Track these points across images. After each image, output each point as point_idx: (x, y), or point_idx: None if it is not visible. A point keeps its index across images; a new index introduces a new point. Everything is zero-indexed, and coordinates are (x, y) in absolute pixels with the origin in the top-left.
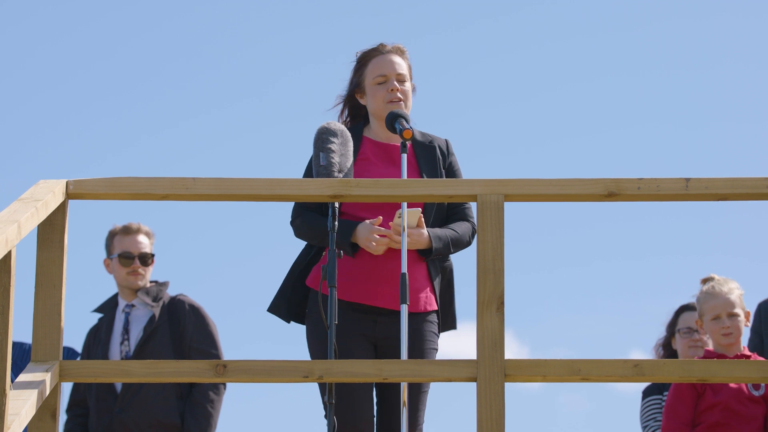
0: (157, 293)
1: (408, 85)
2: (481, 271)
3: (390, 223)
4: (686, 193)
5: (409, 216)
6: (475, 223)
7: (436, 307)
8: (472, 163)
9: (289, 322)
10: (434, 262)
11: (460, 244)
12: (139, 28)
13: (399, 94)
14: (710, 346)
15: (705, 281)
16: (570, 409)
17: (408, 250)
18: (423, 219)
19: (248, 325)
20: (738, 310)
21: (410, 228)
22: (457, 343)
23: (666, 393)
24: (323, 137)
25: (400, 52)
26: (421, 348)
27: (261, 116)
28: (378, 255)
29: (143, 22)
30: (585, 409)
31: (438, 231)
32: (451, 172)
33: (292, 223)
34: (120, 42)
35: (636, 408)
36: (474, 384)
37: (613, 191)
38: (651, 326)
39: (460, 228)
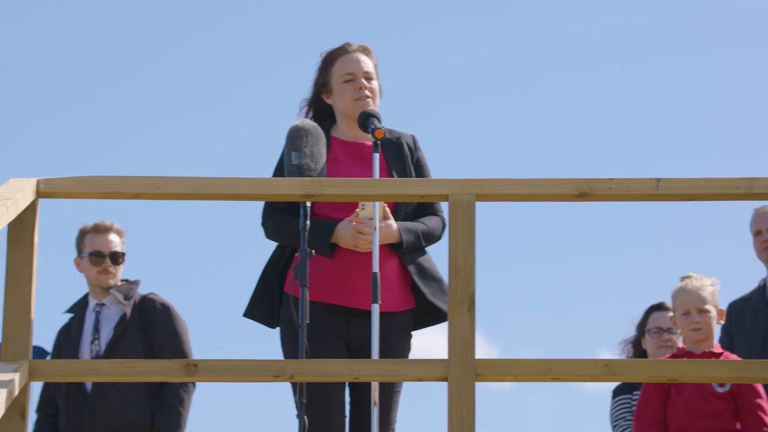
0: (128, 292)
1: (375, 83)
2: (453, 270)
3: (350, 219)
4: (657, 193)
5: (372, 208)
6: (445, 217)
7: (409, 306)
8: (443, 162)
9: (273, 327)
10: (408, 257)
11: (431, 237)
12: (120, 29)
13: (367, 92)
14: (682, 346)
15: (683, 279)
16: (538, 409)
17: (382, 247)
18: (388, 210)
19: (220, 323)
20: (709, 307)
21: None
22: (427, 342)
23: (636, 392)
24: (296, 136)
25: (366, 51)
26: (393, 347)
27: (246, 117)
28: (350, 254)
29: (125, 23)
30: (553, 408)
31: (408, 224)
32: (419, 167)
33: (263, 224)
34: (99, 44)
35: (603, 407)
36: (445, 384)
37: (584, 191)
38: (620, 326)
39: (431, 222)
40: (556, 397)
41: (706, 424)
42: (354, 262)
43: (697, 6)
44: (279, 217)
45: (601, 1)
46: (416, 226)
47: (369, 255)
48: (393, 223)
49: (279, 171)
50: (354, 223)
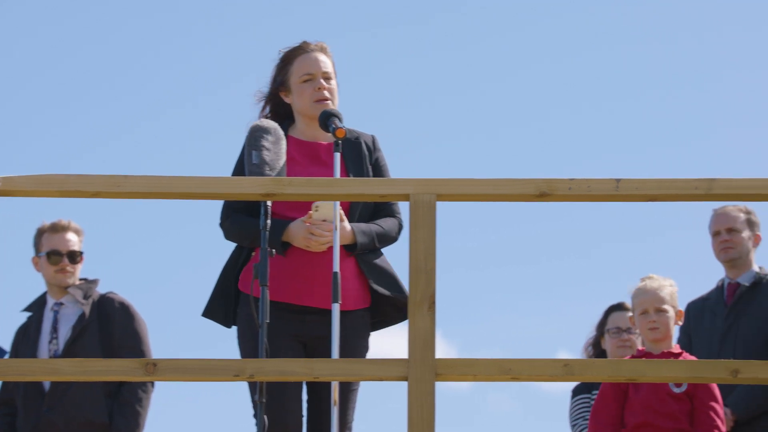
0: (87, 291)
1: (334, 83)
2: (413, 270)
3: (303, 219)
4: (617, 193)
5: (326, 208)
6: (402, 219)
7: (366, 305)
8: (404, 161)
9: (229, 326)
10: (364, 257)
11: (386, 239)
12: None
13: (326, 93)
14: (641, 346)
15: (642, 280)
16: (497, 409)
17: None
18: (342, 212)
19: (179, 323)
20: (667, 306)
21: (330, 221)
22: (385, 342)
23: (595, 392)
24: (256, 135)
25: (324, 50)
26: (351, 346)
27: (229, 116)
28: (305, 253)
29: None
30: (512, 408)
31: (362, 225)
32: (378, 167)
33: (221, 225)
34: (74, 45)
35: (561, 407)
36: (405, 383)
37: (544, 191)
38: (579, 327)
39: (386, 223)
40: (515, 397)
41: (662, 424)
42: (308, 261)
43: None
44: (237, 218)
45: None
46: (371, 227)
47: (323, 254)
48: (347, 225)
49: (239, 170)
50: (307, 224)
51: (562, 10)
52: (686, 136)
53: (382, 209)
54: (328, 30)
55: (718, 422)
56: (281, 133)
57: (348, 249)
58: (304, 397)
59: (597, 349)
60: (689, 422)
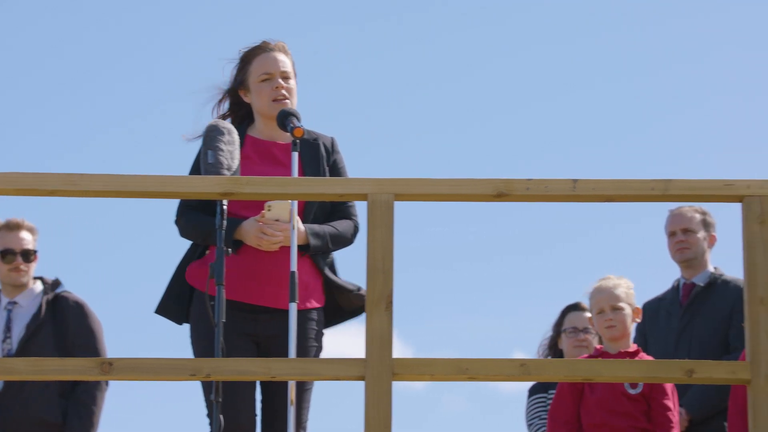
0: (41, 290)
1: (293, 83)
2: (371, 270)
3: (256, 218)
4: (574, 194)
5: (279, 208)
6: (358, 222)
7: (319, 305)
8: (362, 161)
9: (180, 323)
10: (318, 257)
11: (340, 241)
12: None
13: (284, 92)
14: (599, 346)
15: (599, 280)
16: (452, 410)
17: (287, 247)
18: (293, 213)
19: (133, 322)
20: (623, 305)
21: (283, 222)
22: (342, 342)
23: (551, 391)
24: (212, 135)
25: (284, 49)
26: (303, 346)
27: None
28: (258, 252)
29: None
30: (467, 409)
31: (315, 227)
32: (335, 170)
33: (176, 222)
34: (51, 45)
35: (516, 407)
36: (362, 383)
37: (502, 191)
38: (535, 327)
39: (341, 225)
40: (470, 398)
41: (618, 423)
42: (261, 260)
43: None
44: (192, 216)
45: None
46: (324, 228)
47: (276, 254)
48: (300, 225)
49: (195, 170)
50: (260, 223)
51: (516, 9)
52: (642, 133)
53: (338, 211)
54: (287, 30)
55: (674, 422)
56: (236, 133)
57: (301, 249)
58: (258, 396)
59: (554, 349)
60: (646, 422)
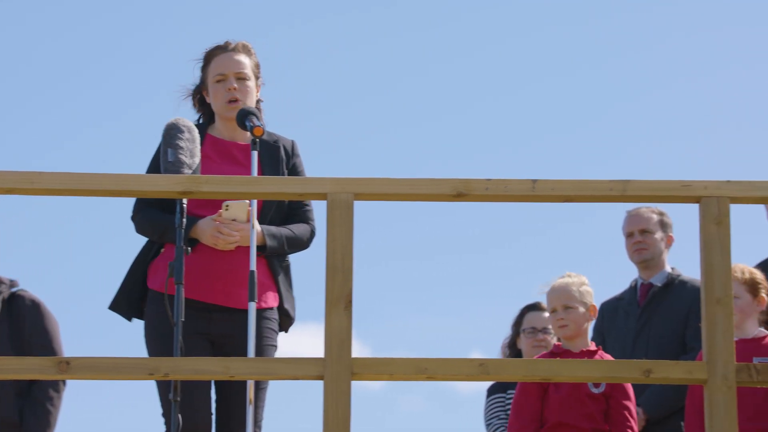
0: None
1: (250, 84)
2: (330, 269)
3: (212, 217)
4: (533, 194)
5: (237, 208)
6: (315, 226)
7: (274, 305)
8: (321, 161)
9: (130, 320)
10: (273, 260)
11: (296, 244)
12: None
13: (236, 93)
14: (558, 343)
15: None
16: (409, 410)
17: (243, 247)
18: (252, 213)
19: (90, 322)
20: (575, 304)
21: (240, 222)
22: (302, 343)
23: (510, 392)
24: (172, 133)
25: (245, 49)
26: (260, 345)
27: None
28: (213, 251)
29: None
30: (424, 408)
31: (272, 228)
32: (295, 173)
33: (132, 218)
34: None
35: (474, 407)
36: (321, 382)
37: (461, 191)
38: (492, 326)
39: (298, 229)
40: (428, 397)
41: (579, 423)
42: (217, 259)
43: (577, 8)
44: (148, 212)
45: None
46: (281, 230)
47: (230, 253)
48: (257, 226)
49: (154, 168)
50: (216, 222)
51: (471, 7)
52: (599, 134)
53: (295, 215)
54: (246, 31)
55: (632, 422)
56: (196, 132)
57: (257, 250)
58: (214, 396)
59: (513, 349)
60: (604, 422)
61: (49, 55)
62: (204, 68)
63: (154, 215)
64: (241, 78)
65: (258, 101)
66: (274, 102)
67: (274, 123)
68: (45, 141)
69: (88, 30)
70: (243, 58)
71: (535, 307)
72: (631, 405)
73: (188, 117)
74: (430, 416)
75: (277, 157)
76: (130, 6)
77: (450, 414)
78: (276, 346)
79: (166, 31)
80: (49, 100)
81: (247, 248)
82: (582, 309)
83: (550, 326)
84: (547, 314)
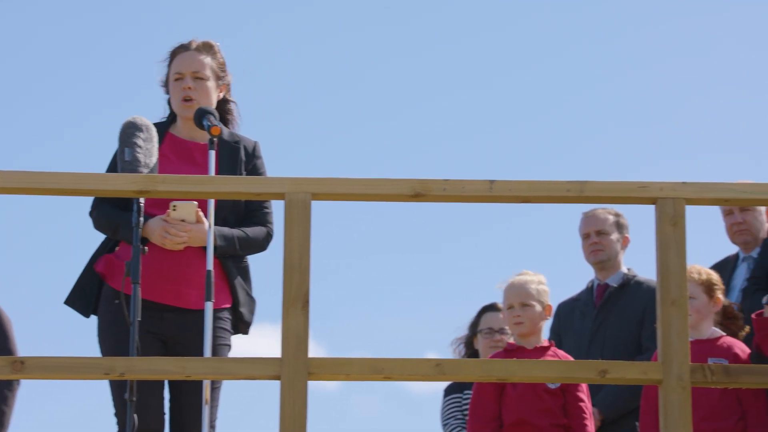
0: None
1: (208, 84)
2: (287, 268)
3: (162, 217)
4: (490, 194)
5: (184, 209)
6: (273, 229)
7: (226, 305)
8: (279, 161)
9: (88, 316)
10: (227, 261)
11: (249, 245)
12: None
13: (191, 93)
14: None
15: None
16: (364, 410)
17: (194, 248)
18: (200, 213)
19: (45, 320)
20: (532, 302)
21: (189, 222)
22: (258, 343)
23: (467, 392)
24: (129, 132)
25: (208, 48)
26: (214, 345)
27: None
28: (163, 251)
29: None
30: (380, 409)
31: (224, 230)
32: (255, 173)
33: (90, 214)
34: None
35: (429, 408)
36: (278, 382)
37: (419, 192)
38: (448, 327)
39: (253, 231)
40: (384, 398)
41: (539, 419)
42: (167, 261)
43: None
44: (103, 209)
45: None
46: (233, 232)
47: (181, 253)
48: (205, 227)
49: (113, 167)
50: (165, 221)
51: (420, 7)
52: (558, 140)
53: (253, 216)
54: (210, 30)
55: (587, 414)
56: (154, 131)
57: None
58: (167, 395)
59: (470, 348)
60: (563, 416)
61: (23, 55)
62: (167, 67)
63: (109, 212)
64: (198, 78)
65: (229, 102)
66: (239, 100)
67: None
68: (24, 139)
69: (66, 28)
70: (203, 58)
71: (492, 308)
72: (587, 399)
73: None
74: (386, 417)
75: (236, 157)
76: (107, 4)
77: (406, 415)
78: (230, 346)
79: (136, 30)
80: (29, 99)
81: (198, 249)
82: (539, 307)
83: (506, 327)
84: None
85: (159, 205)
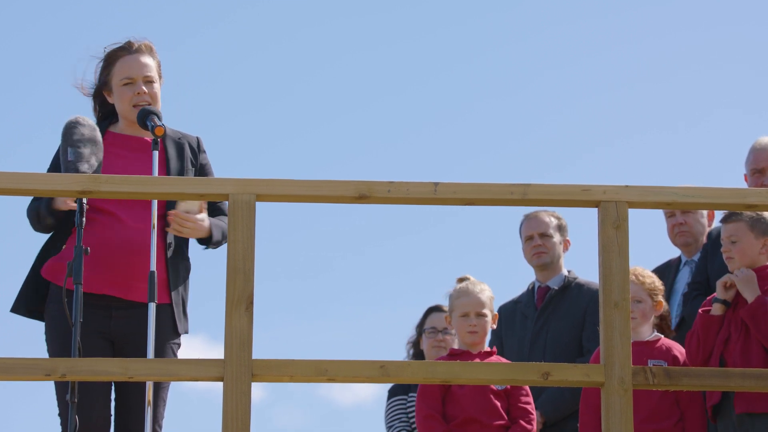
0: None
1: (156, 86)
2: (231, 270)
3: (172, 211)
4: (435, 197)
5: (189, 201)
6: None
7: (167, 300)
8: (224, 163)
9: (36, 319)
10: (174, 259)
11: (225, 237)
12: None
13: (146, 98)
14: (456, 346)
15: (460, 280)
16: (285, 422)
17: (139, 242)
18: (204, 206)
19: None
20: (486, 311)
21: (193, 214)
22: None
23: (412, 394)
24: (72, 131)
25: (149, 50)
26: (162, 343)
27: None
28: (111, 244)
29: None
30: (303, 422)
31: (216, 220)
32: (203, 169)
33: (27, 209)
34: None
35: (355, 420)
36: (221, 384)
37: (364, 193)
38: (394, 330)
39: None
40: (306, 410)
41: (486, 420)
42: (114, 252)
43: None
44: (33, 203)
45: None
46: (220, 223)
47: (131, 246)
48: (206, 218)
49: (55, 167)
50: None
51: (374, 5)
52: (503, 139)
53: (218, 209)
54: (156, 30)
55: (530, 409)
56: (97, 130)
57: (200, 242)
58: (113, 395)
59: (416, 348)
60: (508, 417)
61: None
62: (106, 69)
63: (36, 203)
64: (149, 81)
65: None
66: (181, 102)
67: (179, 122)
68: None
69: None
70: (149, 60)
71: (438, 309)
72: (530, 398)
73: (87, 114)
74: (309, 429)
75: (183, 153)
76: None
77: (330, 426)
78: (179, 344)
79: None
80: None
81: (160, 241)
82: (490, 317)
83: (449, 327)
84: (447, 314)
85: (110, 201)
